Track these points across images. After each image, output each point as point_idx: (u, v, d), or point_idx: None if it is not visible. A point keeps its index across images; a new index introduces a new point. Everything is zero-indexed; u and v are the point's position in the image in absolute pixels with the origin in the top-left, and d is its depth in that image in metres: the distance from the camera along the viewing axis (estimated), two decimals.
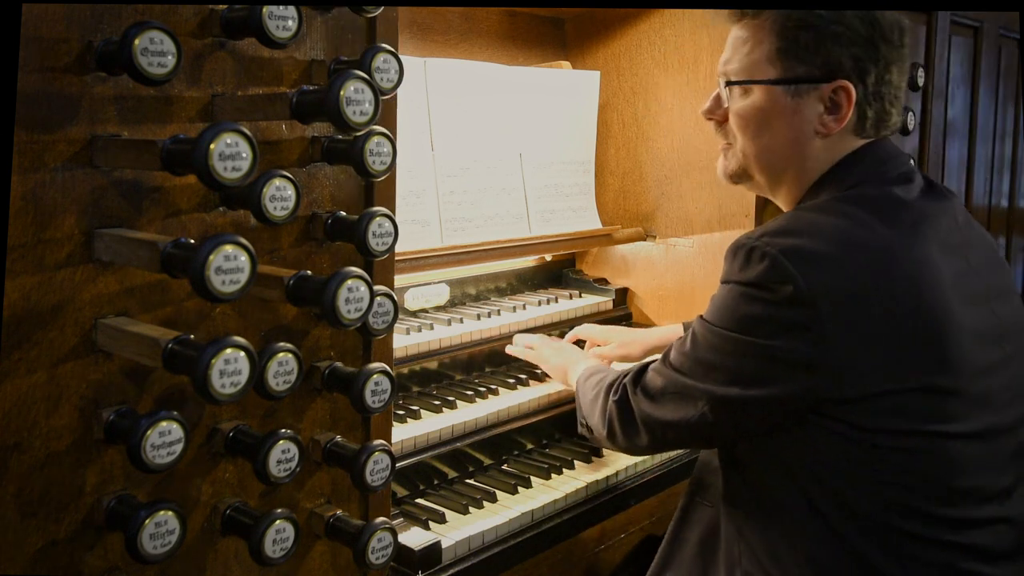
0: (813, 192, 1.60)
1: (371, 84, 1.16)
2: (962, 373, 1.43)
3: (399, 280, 1.99)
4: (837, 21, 1.53)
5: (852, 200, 1.51)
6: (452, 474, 1.98)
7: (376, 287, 1.21)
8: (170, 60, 1.04)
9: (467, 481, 1.97)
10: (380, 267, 1.42)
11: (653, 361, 1.66)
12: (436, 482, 1.95)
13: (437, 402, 2.04)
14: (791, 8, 1.55)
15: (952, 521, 1.43)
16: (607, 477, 2.03)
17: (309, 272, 1.16)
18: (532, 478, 1.98)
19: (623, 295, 2.74)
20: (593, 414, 1.79)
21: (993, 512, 1.46)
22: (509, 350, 2.29)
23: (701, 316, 1.55)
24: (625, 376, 1.70)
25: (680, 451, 2.19)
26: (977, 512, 1.45)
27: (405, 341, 2.09)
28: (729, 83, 1.64)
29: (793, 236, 1.43)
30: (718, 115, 1.68)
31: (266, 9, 1.13)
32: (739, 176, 1.69)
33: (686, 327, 2.21)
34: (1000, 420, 1.48)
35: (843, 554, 1.44)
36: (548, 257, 2.75)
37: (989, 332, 1.50)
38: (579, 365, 2.05)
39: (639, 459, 2.11)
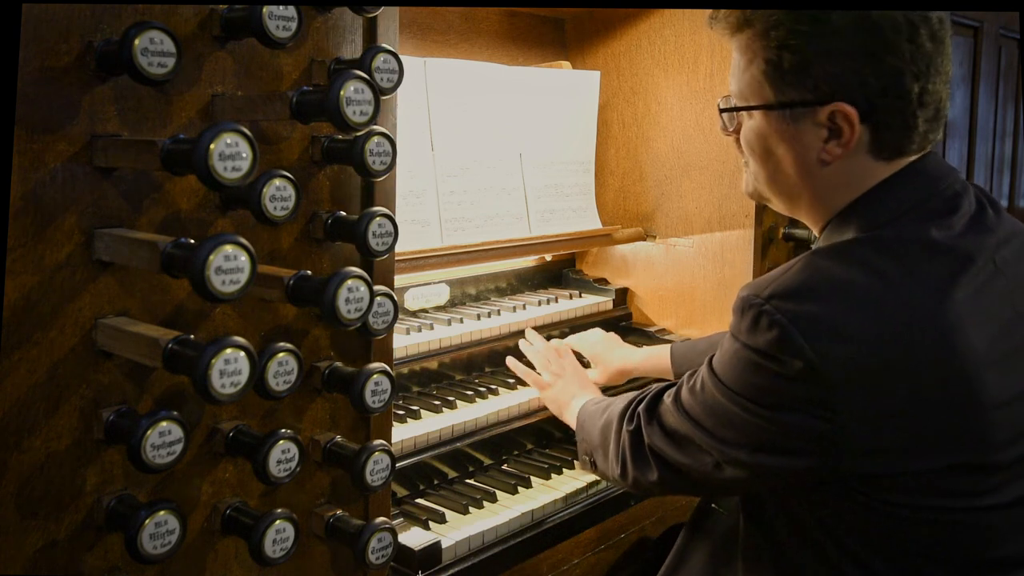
0: (840, 222, 1.43)
1: (371, 84, 1.16)
2: (995, 447, 1.30)
3: (399, 280, 1.99)
4: (822, 35, 1.35)
5: (881, 247, 1.34)
6: (452, 474, 1.98)
7: (376, 287, 1.21)
8: (170, 60, 1.04)
9: (467, 481, 1.97)
10: (380, 267, 1.42)
11: (668, 386, 1.55)
12: (436, 482, 1.95)
13: (437, 402, 2.04)
14: (789, 9, 1.40)
15: None
16: None
17: (309, 272, 1.16)
18: (532, 478, 1.98)
19: (623, 295, 2.73)
20: (605, 447, 1.69)
21: None
22: (511, 364, 2.22)
23: (711, 362, 1.43)
24: (639, 402, 1.59)
25: None
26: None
27: (405, 341, 2.09)
28: (721, 110, 1.54)
29: (807, 300, 1.29)
30: (731, 133, 1.55)
31: (266, 9, 1.13)
32: (758, 197, 1.59)
33: (673, 353, 2.18)
34: None
35: None
36: (548, 257, 2.75)
37: None
38: (576, 400, 1.98)
39: None
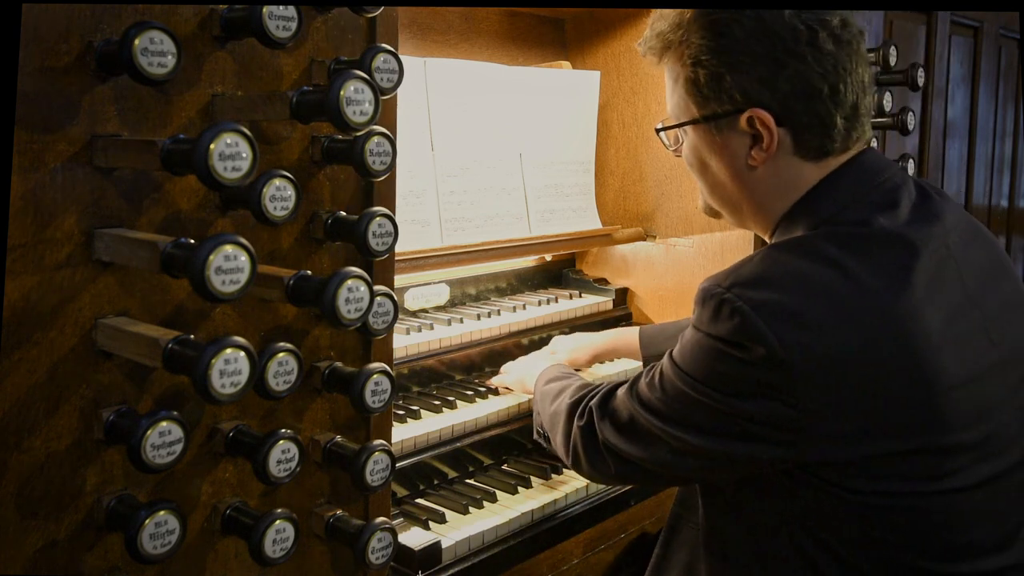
0: (787, 223, 1.48)
1: (371, 84, 1.16)
2: (957, 428, 1.32)
3: (399, 280, 1.99)
4: (728, 49, 1.42)
5: (832, 239, 1.37)
6: (452, 474, 1.98)
7: (376, 287, 1.21)
8: (170, 60, 1.04)
9: (467, 481, 1.97)
10: (380, 267, 1.42)
11: (621, 383, 1.56)
12: (436, 482, 1.95)
13: (437, 402, 2.04)
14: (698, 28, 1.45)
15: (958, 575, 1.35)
16: None
17: (309, 272, 1.16)
18: (532, 478, 1.98)
19: (623, 295, 2.73)
20: (555, 431, 1.70)
21: (995, 564, 1.37)
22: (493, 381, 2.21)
23: (671, 355, 1.45)
24: (591, 397, 1.60)
25: None
26: (978, 565, 1.36)
27: (405, 341, 2.09)
28: (657, 130, 1.63)
29: (767, 288, 1.32)
30: (676, 152, 1.63)
31: (266, 9, 1.13)
32: (709, 211, 1.66)
33: (641, 335, 2.20)
34: (1004, 462, 1.38)
35: None
36: (548, 257, 2.75)
37: (990, 369, 1.39)
38: (534, 369, 2.00)
39: None
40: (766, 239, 1.56)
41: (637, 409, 1.47)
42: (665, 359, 1.46)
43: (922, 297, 1.33)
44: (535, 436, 1.88)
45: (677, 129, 1.57)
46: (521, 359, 2.21)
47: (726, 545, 1.51)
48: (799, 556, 1.39)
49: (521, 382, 2.10)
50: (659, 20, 1.54)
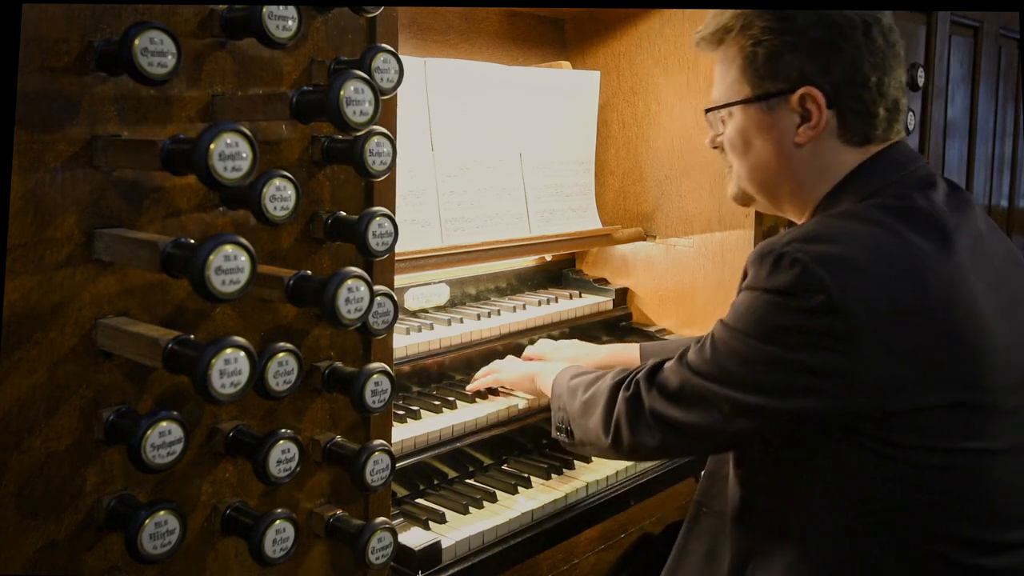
0: (828, 204, 1.55)
1: (371, 84, 1.16)
2: (996, 389, 1.38)
3: (399, 280, 1.99)
4: (790, 31, 1.51)
5: (879, 208, 1.46)
6: (452, 474, 1.98)
7: (376, 287, 1.21)
8: (170, 60, 1.04)
9: (467, 481, 1.97)
10: (380, 267, 1.42)
11: (666, 359, 1.59)
12: (436, 482, 1.95)
13: (437, 402, 2.04)
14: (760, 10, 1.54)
15: (985, 544, 1.39)
16: (607, 477, 2.03)
17: (309, 272, 1.16)
18: (532, 478, 1.98)
19: (623, 295, 2.73)
20: (589, 417, 1.71)
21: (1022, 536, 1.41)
22: (469, 389, 2.17)
23: (722, 320, 1.49)
24: (636, 372, 1.63)
25: None
26: (1012, 535, 1.40)
27: (405, 341, 2.09)
28: (706, 110, 1.68)
29: (824, 243, 1.38)
30: (719, 143, 1.69)
31: (266, 9, 1.13)
32: (742, 198, 1.70)
33: (643, 351, 2.19)
34: None
35: (868, 572, 1.40)
36: (548, 257, 2.75)
37: (1020, 343, 1.45)
38: (548, 367, 1.99)
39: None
40: (798, 223, 1.62)
41: (688, 375, 1.51)
42: (715, 326, 1.50)
43: (966, 263, 1.42)
44: (554, 433, 1.86)
45: (723, 112, 1.63)
46: (502, 363, 2.18)
47: (758, 521, 1.54)
48: (834, 524, 1.42)
49: (529, 380, 2.06)
50: (719, 14, 1.62)
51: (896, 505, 1.38)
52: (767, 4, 1.54)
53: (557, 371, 1.93)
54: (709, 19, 1.64)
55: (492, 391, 2.15)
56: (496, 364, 2.19)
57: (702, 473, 1.76)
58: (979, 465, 1.38)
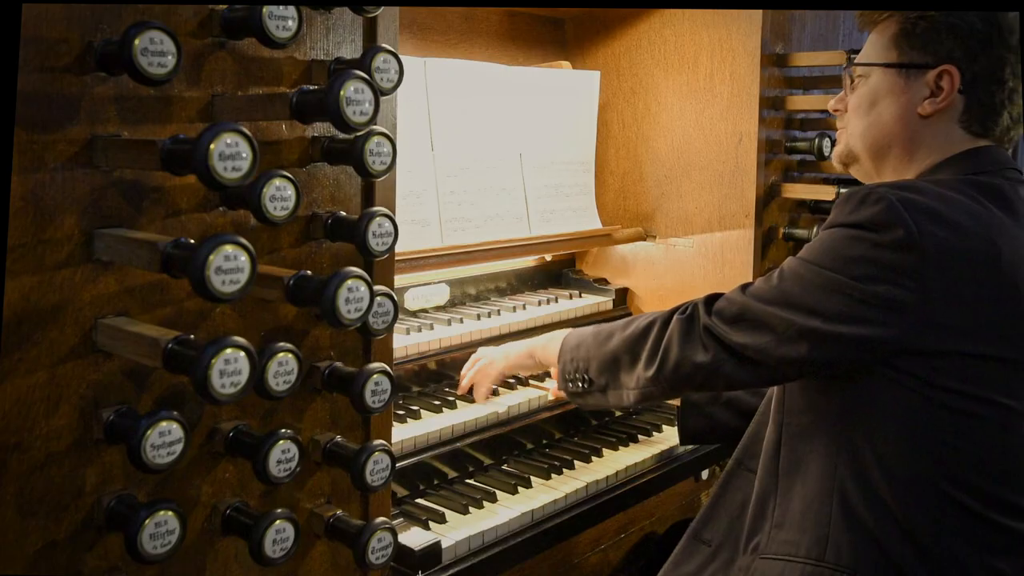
0: (928, 175, 1.63)
1: (371, 84, 1.16)
2: None
3: (399, 280, 1.99)
4: (955, 15, 1.61)
5: (970, 184, 1.55)
6: (452, 474, 1.98)
7: (376, 287, 1.21)
8: (170, 60, 1.04)
9: (467, 481, 1.97)
10: (380, 267, 1.42)
11: (722, 293, 1.66)
12: (436, 482, 1.95)
13: (437, 402, 2.04)
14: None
15: (1001, 502, 1.46)
16: (607, 477, 2.03)
17: (309, 272, 1.16)
18: (532, 478, 1.98)
19: (623, 295, 2.73)
20: (629, 350, 1.75)
21: None
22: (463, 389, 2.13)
23: (794, 256, 1.57)
24: (692, 301, 1.69)
25: (681, 451, 2.20)
26: None
27: (405, 341, 2.09)
28: (849, 64, 1.76)
29: (912, 191, 1.48)
30: (842, 105, 1.77)
31: (266, 9, 1.13)
32: (847, 156, 1.76)
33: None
34: None
35: (882, 515, 1.47)
36: (548, 257, 2.75)
37: None
38: (544, 338, 2.02)
39: (639, 459, 2.11)
40: None
41: (748, 300, 1.58)
42: (786, 260, 1.59)
43: None
44: (565, 384, 1.88)
45: (861, 72, 1.71)
46: (485, 357, 2.11)
47: (783, 459, 1.61)
48: (853, 459, 1.49)
49: (527, 355, 2.04)
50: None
51: (922, 445, 1.45)
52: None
53: (561, 336, 1.95)
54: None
55: (492, 390, 2.14)
56: (481, 359, 2.11)
57: (745, 435, 1.82)
58: (1008, 423, 1.46)
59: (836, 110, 1.80)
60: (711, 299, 1.66)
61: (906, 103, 1.65)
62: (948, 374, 1.44)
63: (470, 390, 2.11)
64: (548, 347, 2.00)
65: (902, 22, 1.66)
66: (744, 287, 1.62)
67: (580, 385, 1.86)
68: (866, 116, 1.70)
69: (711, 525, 1.78)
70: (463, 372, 2.14)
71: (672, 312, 1.72)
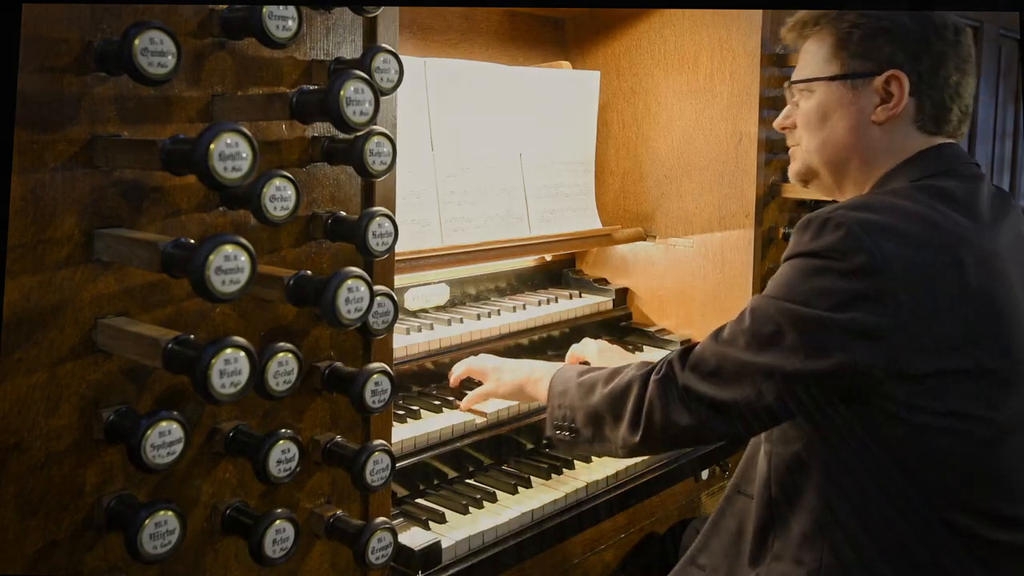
0: (884, 182, 1.62)
1: (371, 84, 1.16)
2: (1018, 362, 1.45)
3: (399, 280, 1.99)
4: (887, 18, 1.61)
5: (926, 190, 1.54)
6: (452, 474, 1.98)
7: (376, 287, 1.21)
8: (170, 60, 1.04)
9: (467, 481, 1.97)
10: (380, 267, 1.42)
11: (694, 344, 1.61)
12: (436, 482, 1.95)
13: (437, 402, 2.04)
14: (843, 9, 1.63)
15: (996, 517, 1.45)
16: (607, 477, 2.03)
17: (309, 272, 1.16)
18: (532, 478, 1.98)
19: (623, 295, 2.73)
20: (613, 407, 1.67)
21: None
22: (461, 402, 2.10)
23: (758, 294, 1.55)
24: (667, 357, 1.63)
25: (681, 451, 2.19)
26: (1019, 511, 1.46)
27: (405, 341, 2.09)
28: (791, 83, 1.74)
29: (869, 211, 1.46)
30: (790, 122, 1.76)
31: (266, 9, 1.13)
32: (805, 174, 1.74)
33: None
34: None
35: (876, 542, 1.46)
36: (548, 257, 2.75)
37: None
38: (541, 369, 1.95)
39: (640, 459, 2.10)
40: None
41: (723, 350, 1.53)
42: (752, 299, 1.54)
43: (1005, 247, 1.51)
44: (552, 432, 1.81)
45: (804, 89, 1.70)
46: (487, 369, 2.07)
47: (777, 492, 1.59)
48: (848, 490, 1.48)
49: (517, 389, 1.99)
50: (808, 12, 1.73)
51: (910, 470, 1.44)
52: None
53: (550, 375, 1.89)
54: (802, 13, 1.74)
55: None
56: (483, 370, 2.07)
57: (742, 457, 1.78)
58: (995, 437, 1.44)
59: (784, 128, 1.78)
60: (684, 353, 1.60)
61: (857, 113, 1.63)
62: (929, 395, 1.41)
63: (469, 391, 2.11)
64: (538, 386, 1.93)
65: (835, 32, 1.65)
66: (716, 334, 1.56)
67: (567, 434, 1.79)
68: (819, 132, 1.68)
69: (707, 551, 1.76)
70: (458, 370, 2.11)
71: (648, 373, 1.64)
